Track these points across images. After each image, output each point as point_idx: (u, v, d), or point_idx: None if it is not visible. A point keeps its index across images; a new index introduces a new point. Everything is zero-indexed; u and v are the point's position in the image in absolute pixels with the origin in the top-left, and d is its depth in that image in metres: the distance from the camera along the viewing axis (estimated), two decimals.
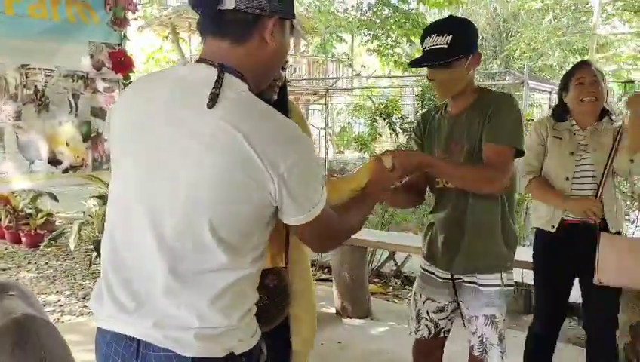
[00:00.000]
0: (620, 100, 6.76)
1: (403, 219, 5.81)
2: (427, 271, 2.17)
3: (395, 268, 5.23)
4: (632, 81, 6.76)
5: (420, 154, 2.00)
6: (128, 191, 1.13)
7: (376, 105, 6.31)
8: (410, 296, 2.32)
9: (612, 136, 2.41)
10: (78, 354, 2.12)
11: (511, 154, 1.89)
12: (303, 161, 1.07)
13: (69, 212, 7.81)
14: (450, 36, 1.85)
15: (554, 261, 2.54)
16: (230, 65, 1.10)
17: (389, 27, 11.12)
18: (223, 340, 1.08)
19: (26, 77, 2.71)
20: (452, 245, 2.03)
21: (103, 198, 5.11)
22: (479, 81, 13.11)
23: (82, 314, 4.22)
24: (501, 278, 2.01)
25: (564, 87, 2.52)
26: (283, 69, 1.78)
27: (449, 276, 2.09)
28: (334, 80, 14.24)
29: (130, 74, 3.19)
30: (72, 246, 5.25)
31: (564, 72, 2.85)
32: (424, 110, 2.26)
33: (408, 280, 4.96)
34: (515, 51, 16.55)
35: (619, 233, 2.43)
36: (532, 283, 2.75)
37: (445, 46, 1.85)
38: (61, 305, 4.44)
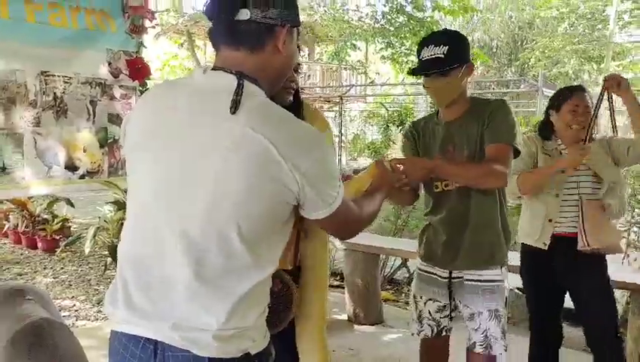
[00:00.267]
0: None
1: (415, 226, 5.79)
2: (426, 271, 2.23)
3: (407, 275, 5.22)
4: None
5: (425, 160, 2.08)
6: (149, 198, 1.14)
7: (390, 112, 6.33)
8: (410, 301, 2.36)
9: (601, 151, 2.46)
10: (92, 359, 2.14)
11: (510, 151, 2.00)
12: (322, 159, 1.12)
13: (85, 218, 7.89)
14: (447, 47, 1.96)
15: (545, 277, 2.54)
16: (246, 72, 1.13)
17: (403, 35, 11.14)
18: (239, 341, 1.11)
19: (46, 83, 2.76)
20: (454, 244, 2.11)
21: (118, 204, 5.15)
22: (493, 88, 13.07)
23: (97, 319, 4.26)
24: (501, 272, 2.11)
25: (555, 107, 2.50)
26: (297, 72, 1.81)
27: (448, 275, 2.16)
28: (348, 87, 14.27)
29: (147, 81, 3.23)
30: (86, 252, 5.30)
31: (579, 80, 2.81)
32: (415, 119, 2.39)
33: None
34: (529, 59, 16.48)
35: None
36: None
37: (442, 56, 1.96)
38: (76, 310, 4.48)
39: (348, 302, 4.15)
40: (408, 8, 11.00)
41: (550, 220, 2.46)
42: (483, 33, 17.64)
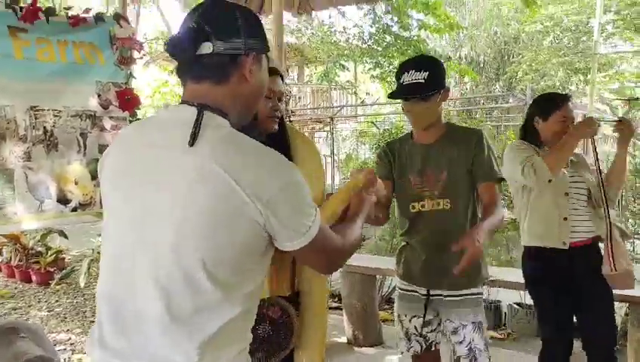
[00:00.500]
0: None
1: None
2: (407, 290, 2.27)
3: None
4: (637, 98, 6.74)
5: (473, 235, 1.91)
6: (121, 237, 1.14)
7: (381, 131, 6.36)
8: (395, 321, 2.40)
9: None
10: None
11: (498, 186, 2.20)
12: (288, 187, 1.08)
13: (79, 249, 7.83)
14: (427, 72, 2.04)
15: (559, 283, 2.51)
16: (211, 104, 1.13)
17: (390, 55, 11.24)
18: None
19: (35, 118, 2.77)
20: (433, 264, 2.15)
21: None
22: (483, 103, 13.17)
23: None
24: (481, 287, 2.22)
25: (542, 115, 2.51)
26: (280, 101, 1.82)
27: (426, 292, 2.20)
28: (339, 108, 14.35)
29: (137, 111, 3.24)
30: (82, 284, 5.25)
31: (567, 91, 2.84)
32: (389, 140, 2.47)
33: None
34: (517, 73, 16.64)
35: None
36: None
37: (423, 81, 2.04)
38: (72, 344, 4.42)
39: (346, 324, 4.12)
40: (395, 28, 11.13)
41: (565, 218, 2.46)
42: (470, 49, 17.85)
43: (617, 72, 15.47)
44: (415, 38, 11.12)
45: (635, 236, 4.21)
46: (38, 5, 2.76)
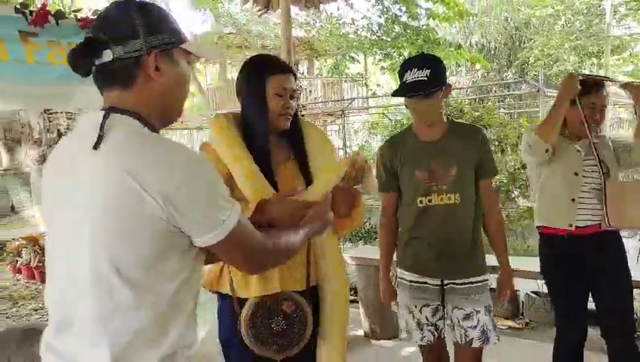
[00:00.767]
0: None
1: None
2: (418, 282, 2.33)
3: None
4: None
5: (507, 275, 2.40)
6: (53, 240, 1.19)
7: (393, 122, 6.33)
8: (400, 313, 2.44)
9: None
10: None
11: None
12: (192, 181, 1.06)
13: None
14: (429, 70, 2.11)
15: (570, 269, 2.50)
16: (122, 107, 1.14)
17: (400, 45, 11.14)
18: None
19: (49, 121, 2.79)
20: (445, 256, 2.25)
21: None
22: (495, 91, 13.05)
23: None
24: (488, 273, 2.34)
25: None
26: (292, 98, 1.81)
27: (439, 282, 2.30)
28: (349, 101, 14.31)
29: None
30: None
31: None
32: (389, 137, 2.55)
33: None
34: (529, 58, 16.46)
35: None
36: None
37: (425, 79, 2.10)
38: None
39: (363, 318, 4.13)
40: (403, 18, 11.02)
41: (573, 200, 2.42)
42: (480, 36, 17.67)
43: (631, 54, 15.26)
44: (424, 27, 11.02)
45: None
46: (47, 9, 2.77)
